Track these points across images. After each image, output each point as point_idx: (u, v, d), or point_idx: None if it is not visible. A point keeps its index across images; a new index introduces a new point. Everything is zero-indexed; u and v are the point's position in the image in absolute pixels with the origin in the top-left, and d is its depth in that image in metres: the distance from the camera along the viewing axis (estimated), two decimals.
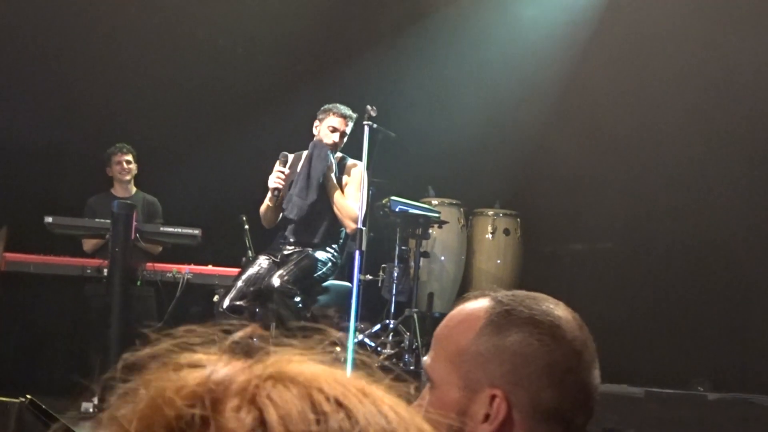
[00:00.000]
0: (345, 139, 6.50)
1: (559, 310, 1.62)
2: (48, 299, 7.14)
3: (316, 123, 6.47)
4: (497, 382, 1.55)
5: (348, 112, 6.42)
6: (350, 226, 6.30)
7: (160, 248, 7.23)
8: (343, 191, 6.44)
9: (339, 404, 0.75)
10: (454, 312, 1.68)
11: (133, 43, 8.12)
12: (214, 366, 0.77)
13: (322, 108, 6.48)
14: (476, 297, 1.70)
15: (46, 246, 6.97)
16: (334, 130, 6.40)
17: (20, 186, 8.07)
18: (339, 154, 6.57)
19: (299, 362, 0.78)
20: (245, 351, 0.79)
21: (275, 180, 6.32)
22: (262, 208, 6.51)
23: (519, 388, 1.54)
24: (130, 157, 7.42)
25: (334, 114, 6.40)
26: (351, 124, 6.46)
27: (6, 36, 7.97)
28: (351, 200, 6.36)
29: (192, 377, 0.75)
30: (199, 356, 0.77)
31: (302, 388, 0.75)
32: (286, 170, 6.37)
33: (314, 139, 6.46)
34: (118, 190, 7.48)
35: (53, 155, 8.35)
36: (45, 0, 8.03)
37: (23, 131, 8.11)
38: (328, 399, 0.75)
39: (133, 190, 7.53)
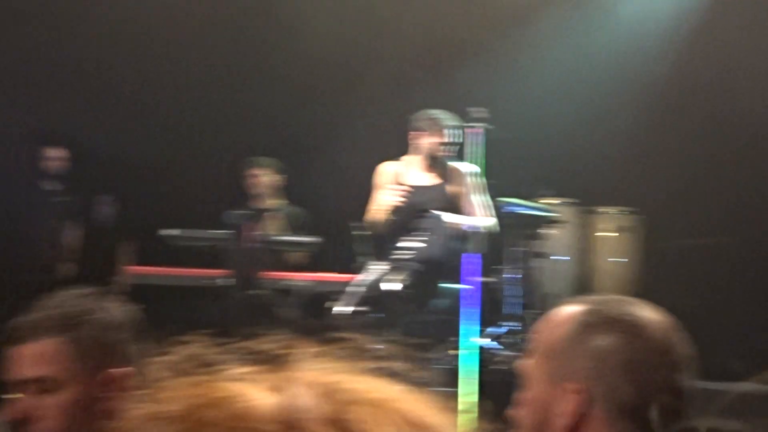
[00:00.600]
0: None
1: (645, 311, 1.68)
2: (170, 310, 7.27)
3: (418, 133, 6.44)
4: (579, 376, 1.62)
5: (447, 124, 6.38)
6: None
7: (305, 259, 7.27)
8: (459, 198, 6.41)
9: (425, 428, 0.73)
10: (551, 313, 1.77)
11: (253, 54, 8.27)
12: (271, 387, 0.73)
13: (423, 117, 6.44)
14: (573, 302, 1.77)
15: (170, 258, 7.12)
16: (440, 144, 6.39)
17: (142, 200, 8.29)
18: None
19: (368, 382, 0.76)
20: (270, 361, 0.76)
21: (397, 197, 6.33)
22: (373, 217, 6.51)
23: (599, 383, 1.61)
24: (258, 171, 7.52)
25: (434, 130, 6.38)
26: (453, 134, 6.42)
27: (130, 56, 8.22)
28: (478, 209, 6.31)
29: (265, 404, 0.72)
30: (238, 371, 0.75)
31: (387, 411, 0.73)
32: (408, 187, 6.38)
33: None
34: (256, 202, 7.58)
35: (174, 170, 8.55)
36: (162, 19, 8.24)
37: (147, 147, 8.35)
38: (414, 425, 0.73)
39: (276, 201, 7.61)
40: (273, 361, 0.77)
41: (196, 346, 0.81)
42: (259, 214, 7.44)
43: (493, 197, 7.00)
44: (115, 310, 2.17)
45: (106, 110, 8.34)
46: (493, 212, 6.41)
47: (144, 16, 8.21)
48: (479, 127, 6.24)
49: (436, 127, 6.38)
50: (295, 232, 7.35)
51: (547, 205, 7.50)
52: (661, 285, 7.73)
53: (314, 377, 0.75)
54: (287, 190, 7.77)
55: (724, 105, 7.52)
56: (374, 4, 8.29)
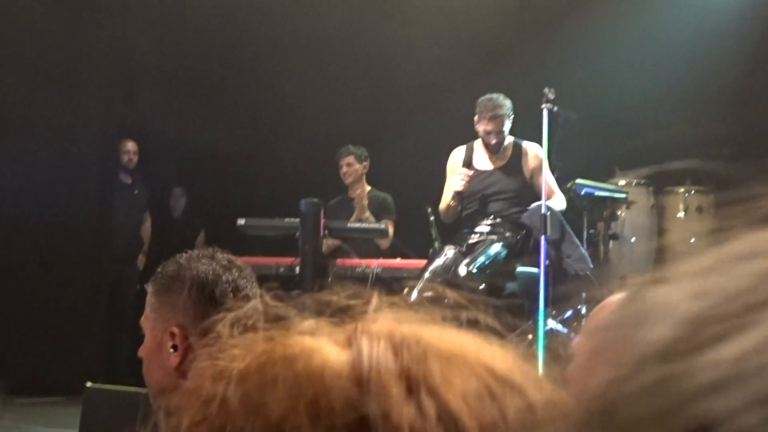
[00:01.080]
0: (506, 130, 6.40)
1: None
2: None
3: (476, 118, 6.43)
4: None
5: (497, 111, 6.31)
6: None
7: (387, 243, 7.31)
8: (532, 178, 6.37)
9: (511, 385, 0.67)
10: None
11: (321, 48, 8.33)
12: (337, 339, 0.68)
13: (479, 102, 6.41)
14: None
15: (243, 247, 7.20)
16: (488, 132, 6.34)
17: (214, 191, 8.42)
18: (510, 139, 6.48)
19: (446, 333, 0.69)
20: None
21: (460, 183, 6.32)
22: (443, 205, 6.51)
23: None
24: (351, 159, 7.56)
25: (483, 117, 6.33)
26: (506, 119, 6.35)
27: (202, 48, 8.33)
28: (549, 189, 6.27)
29: (335, 360, 0.66)
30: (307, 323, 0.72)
31: (468, 364, 0.67)
32: (470, 172, 6.36)
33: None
34: (350, 191, 7.64)
35: (245, 161, 8.66)
36: (244, 16, 8.34)
37: (219, 138, 8.46)
38: (497, 378, 0.67)
39: (366, 188, 7.66)
40: (344, 313, 0.73)
41: (265, 301, 0.78)
42: (349, 202, 7.50)
43: (566, 178, 6.95)
44: (202, 270, 2.23)
45: (182, 103, 8.47)
46: (560, 193, 6.36)
47: (216, 10, 8.31)
48: (548, 108, 6.19)
49: (486, 112, 6.33)
50: (382, 218, 7.37)
51: (620, 186, 7.43)
52: None
53: (388, 328, 0.68)
54: (371, 177, 7.81)
55: None
56: None
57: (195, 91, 8.55)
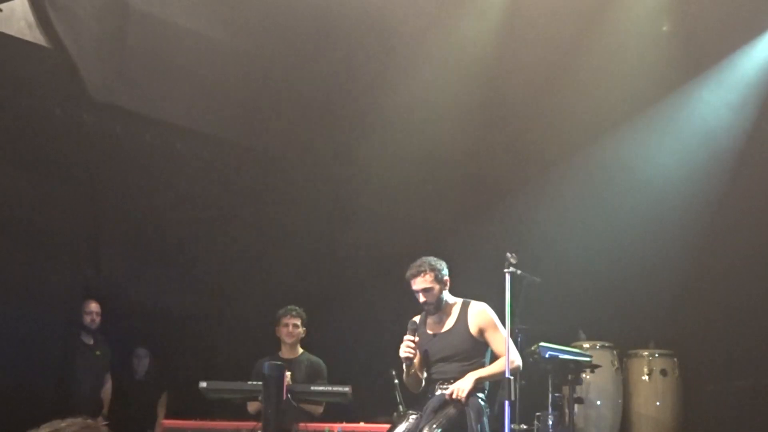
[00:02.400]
0: (437, 290, 6.39)
1: None
2: None
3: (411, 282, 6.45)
4: None
5: (417, 269, 6.32)
6: (516, 371, 6.17)
7: (321, 409, 7.24)
8: (483, 336, 6.33)
9: None
10: None
11: (282, 210, 8.46)
12: None
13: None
14: None
15: (205, 409, 7.11)
16: (417, 293, 6.36)
17: (177, 352, 8.36)
18: (459, 300, 6.47)
19: None
20: None
21: (405, 350, 6.26)
22: (404, 376, 6.47)
23: None
24: (298, 321, 7.55)
25: (409, 279, 6.36)
26: (430, 275, 6.35)
27: (167, 213, 8.44)
28: (500, 350, 6.21)
29: None
30: None
31: None
32: (416, 338, 6.32)
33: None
34: (284, 352, 7.60)
35: (208, 322, 8.64)
36: (206, 181, 8.48)
37: (182, 300, 8.46)
38: None
39: (299, 351, 7.63)
40: None
41: None
42: (287, 364, 7.44)
43: (530, 341, 6.96)
44: None
45: (146, 265, 8.50)
46: (515, 351, 6.31)
47: (180, 175, 8.45)
48: (510, 272, 6.24)
49: (409, 275, 6.36)
50: (315, 382, 7.33)
51: (585, 350, 7.46)
52: (701, 428, 7.61)
53: None
54: (309, 340, 7.78)
55: (760, 245, 7.54)
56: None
57: (158, 253, 8.59)
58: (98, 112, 7.96)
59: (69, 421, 2.35)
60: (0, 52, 7.19)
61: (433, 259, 6.36)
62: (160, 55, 7.76)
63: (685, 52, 7.88)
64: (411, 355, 6.23)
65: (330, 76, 8.11)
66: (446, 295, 6.40)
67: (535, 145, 8.42)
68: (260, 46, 7.94)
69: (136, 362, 8.81)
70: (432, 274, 6.31)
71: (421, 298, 6.33)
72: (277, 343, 7.68)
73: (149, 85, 7.85)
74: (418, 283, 6.29)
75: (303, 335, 7.65)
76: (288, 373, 6.72)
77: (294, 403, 6.79)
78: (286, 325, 7.57)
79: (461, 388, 6.02)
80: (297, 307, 7.63)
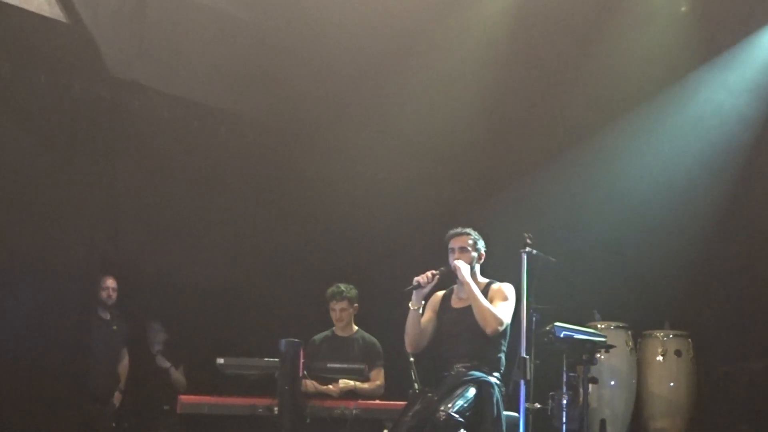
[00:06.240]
0: (471, 257, 6.45)
1: None
2: None
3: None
4: None
5: (458, 230, 6.46)
6: (491, 328, 6.21)
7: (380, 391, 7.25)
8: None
9: None
10: None
11: (305, 184, 8.49)
12: None
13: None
14: None
15: (221, 386, 7.14)
16: (452, 251, 6.42)
17: (195, 328, 8.40)
18: (485, 280, 6.51)
19: None
20: None
21: (421, 276, 6.33)
22: (408, 316, 6.47)
23: None
24: (345, 304, 7.51)
25: (448, 240, 6.46)
26: (470, 240, 6.43)
27: (185, 185, 8.47)
28: (496, 308, 6.28)
29: None
30: None
31: None
32: (437, 275, 6.37)
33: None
34: (338, 330, 7.60)
35: (226, 297, 8.67)
36: (225, 153, 8.50)
37: (199, 274, 8.50)
38: None
39: (354, 329, 7.63)
40: None
41: None
42: (341, 342, 7.48)
43: (545, 321, 6.98)
44: None
45: (164, 239, 8.54)
46: (505, 319, 6.32)
47: (199, 146, 8.47)
48: (526, 252, 6.26)
49: (454, 234, 6.47)
50: (372, 364, 7.34)
51: (599, 330, 7.47)
52: (715, 409, 7.63)
53: None
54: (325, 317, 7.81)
55: None
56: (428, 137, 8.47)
57: (176, 227, 8.62)
58: (116, 88, 7.98)
59: None
60: (19, 28, 7.20)
61: (476, 234, 6.51)
62: (178, 30, 7.77)
63: (703, 33, 7.85)
64: (424, 281, 6.28)
65: (350, 54, 8.11)
66: (477, 271, 6.46)
67: (552, 126, 8.41)
68: (280, 22, 7.94)
69: (152, 336, 8.85)
70: (472, 240, 6.45)
71: (454, 258, 6.39)
72: (299, 318, 7.71)
73: (167, 60, 7.86)
74: (457, 241, 6.45)
75: (355, 312, 7.64)
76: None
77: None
78: (334, 310, 7.56)
79: (461, 268, 6.26)
80: (344, 287, 7.56)
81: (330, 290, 7.55)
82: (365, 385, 7.22)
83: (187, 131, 8.36)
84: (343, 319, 7.54)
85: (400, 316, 6.59)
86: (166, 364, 8.62)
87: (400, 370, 7.19)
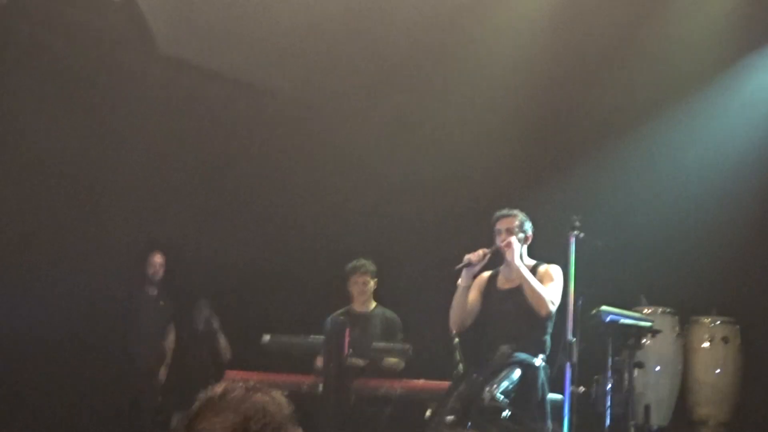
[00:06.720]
0: (519, 233, 6.42)
1: None
2: None
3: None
4: None
5: (506, 212, 6.43)
6: (545, 309, 6.19)
7: (403, 364, 7.24)
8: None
9: None
10: None
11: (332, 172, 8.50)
12: None
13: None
14: None
15: (266, 362, 7.17)
16: (498, 230, 6.39)
17: (241, 305, 8.45)
18: (532, 262, 6.49)
19: None
20: None
21: (473, 253, 6.33)
22: (456, 292, 6.47)
23: None
24: (367, 278, 7.57)
25: (495, 222, 6.45)
26: (517, 221, 6.40)
27: (231, 164, 8.50)
28: (547, 289, 6.28)
29: None
30: None
31: None
32: (488, 254, 6.37)
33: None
34: (356, 306, 7.63)
35: (272, 275, 8.71)
36: (276, 136, 8.53)
37: (246, 252, 8.54)
38: None
39: (373, 305, 7.66)
40: None
41: None
42: (360, 318, 7.49)
43: (591, 305, 6.93)
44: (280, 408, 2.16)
45: (211, 216, 8.59)
46: (556, 300, 6.30)
47: (250, 128, 8.50)
48: (574, 235, 6.23)
49: (501, 215, 6.46)
50: (389, 337, 7.35)
51: (646, 315, 7.41)
52: (761, 397, 7.55)
53: None
54: (382, 294, 7.80)
55: None
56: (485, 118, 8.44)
57: (223, 205, 8.67)
58: (164, 65, 8.02)
59: (226, 385, 2.19)
60: (69, 5, 7.26)
61: (523, 216, 6.49)
62: (228, 7, 7.79)
63: (754, 18, 7.74)
64: (476, 259, 6.29)
65: (398, 37, 8.09)
66: (524, 252, 6.43)
67: (603, 112, 8.35)
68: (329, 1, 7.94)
69: (198, 313, 8.91)
70: (519, 222, 6.42)
71: (501, 239, 6.37)
72: (342, 296, 7.71)
73: (216, 38, 7.89)
74: (504, 223, 6.45)
75: (375, 287, 7.67)
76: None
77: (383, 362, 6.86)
78: (356, 282, 7.59)
79: (512, 248, 6.23)
80: (366, 261, 7.62)
81: (351, 264, 7.59)
82: (392, 360, 7.20)
83: (234, 110, 8.40)
84: (365, 293, 7.56)
85: (446, 294, 6.61)
86: (215, 325, 8.59)
87: (445, 351, 7.18)
